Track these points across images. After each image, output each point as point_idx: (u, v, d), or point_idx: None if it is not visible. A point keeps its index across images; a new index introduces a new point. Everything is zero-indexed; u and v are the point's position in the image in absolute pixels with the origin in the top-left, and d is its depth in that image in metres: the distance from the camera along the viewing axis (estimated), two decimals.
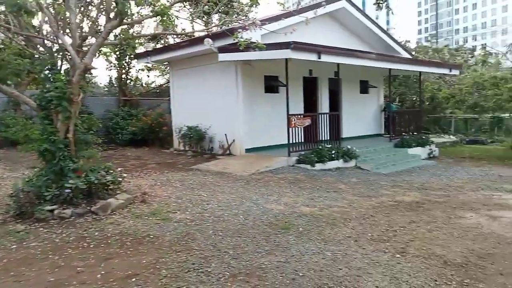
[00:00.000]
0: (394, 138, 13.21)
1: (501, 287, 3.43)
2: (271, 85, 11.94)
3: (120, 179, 6.06)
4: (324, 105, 13.42)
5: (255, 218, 5.36)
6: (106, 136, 14.95)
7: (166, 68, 16.96)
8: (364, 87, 15.14)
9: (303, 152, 10.13)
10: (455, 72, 13.80)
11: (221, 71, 11.58)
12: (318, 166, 9.88)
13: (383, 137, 15.33)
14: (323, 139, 10.97)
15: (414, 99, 20.11)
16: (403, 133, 13.42)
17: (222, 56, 10.27)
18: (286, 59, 9.34)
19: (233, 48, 9.80)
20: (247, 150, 11.28)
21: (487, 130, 21.56)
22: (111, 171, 5.98)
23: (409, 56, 14.55)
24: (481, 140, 18.75)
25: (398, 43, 14.20)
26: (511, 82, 12.65)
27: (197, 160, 10.99)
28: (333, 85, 13.33)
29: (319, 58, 9.16)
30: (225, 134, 11.59)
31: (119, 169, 6.66)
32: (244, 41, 7.76)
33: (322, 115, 11.17)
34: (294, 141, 10.16)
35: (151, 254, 4.08)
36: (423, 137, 13.49)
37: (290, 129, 10.03)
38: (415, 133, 13.75)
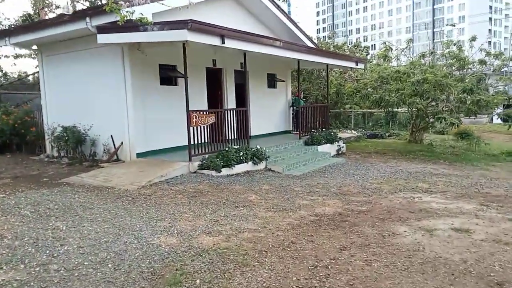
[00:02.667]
0: (304, 135, 12.45)
1: None
2: (168, 76, 10.10)
3: None
4: (230, 100, 12.02)
5: (131, 267, 3.63)
6: None
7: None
8: (272, 81, 14.15)
9: (207, 156, 8.57)
10: (361, 66, 13.58)
11: (105, 58, 9.38)
12: (225, 171, 8.44)
13: (292, 134, 14.58)
14: (230, 138, 9.58)
15: (316, 95, 20.02)
16: (313, 130, 12.74)
17: (102, 38, 8.15)
18: (184, 43, 7.63)
19: (116, 27, 7.80)
20: (140, 155, 9.31)
21: (383, 124, 22.66)
22: None
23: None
24: (380, 134, 19.43)
25: (305, 34, 13.46)
26: (413, 76, 12.75)
27: (72, 169, 8.69)
28: (240, 78, 12.02)
29: (223, 43, 7.65)
30: (111, 136, 9.45)
31: None
32: (125, 15, 5.95)
33: (229, 111, 9.74)
34: (196, 142, 8.56)
35: None
36: (332, 133, 13.00)
37: (192, 128, 8.39)
38: (323, 129, 13.20)
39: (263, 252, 4.07)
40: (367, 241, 4.45)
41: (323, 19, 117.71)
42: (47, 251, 3.92)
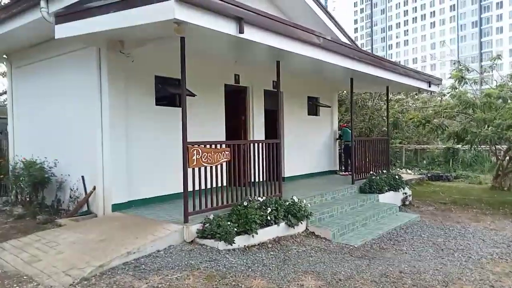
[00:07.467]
0: (358, 179, 9.01)
1: None
2: (169, 94, 7.14)
3: None
4: (257, 129, 8.88)
5: None
6: None
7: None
8: (314, 106, 10.93)
9: (212, 216, 5.32)
10: (434, 88, 10.10)
11: (77, 65, 6.61)
12: (240, 240, 5.14)
13: (339, 175, 11.16)
14: (254, 180, 6.37)
15: (361, 127, 16.63)
16: (371, 172, 9.29)
17: (61, 29, 5.34)
18: (176, 31, 4.63)
19: (77, 11, 5.02)
20: (119, 206, 6.22)
21: (441, 163, 18.77)
22: None
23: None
24: (445, 175, 15.52)
25: (349, 37, 10.20)
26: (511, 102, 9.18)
27: (14, 228, 5.72)
28: (271, 101, 8.94)
29: (241, 31, 4.58)
30: (82, 177, 6.50)
31: None
32: None
33: (254, 144, 6.55)
34: (202, 188, 5.40)
35: None
36: (396, 176, 9.44)
37: (191, 170, 5.26)
38: (383, 171, 9.72)
39: None
40: None
41: None
42: None
